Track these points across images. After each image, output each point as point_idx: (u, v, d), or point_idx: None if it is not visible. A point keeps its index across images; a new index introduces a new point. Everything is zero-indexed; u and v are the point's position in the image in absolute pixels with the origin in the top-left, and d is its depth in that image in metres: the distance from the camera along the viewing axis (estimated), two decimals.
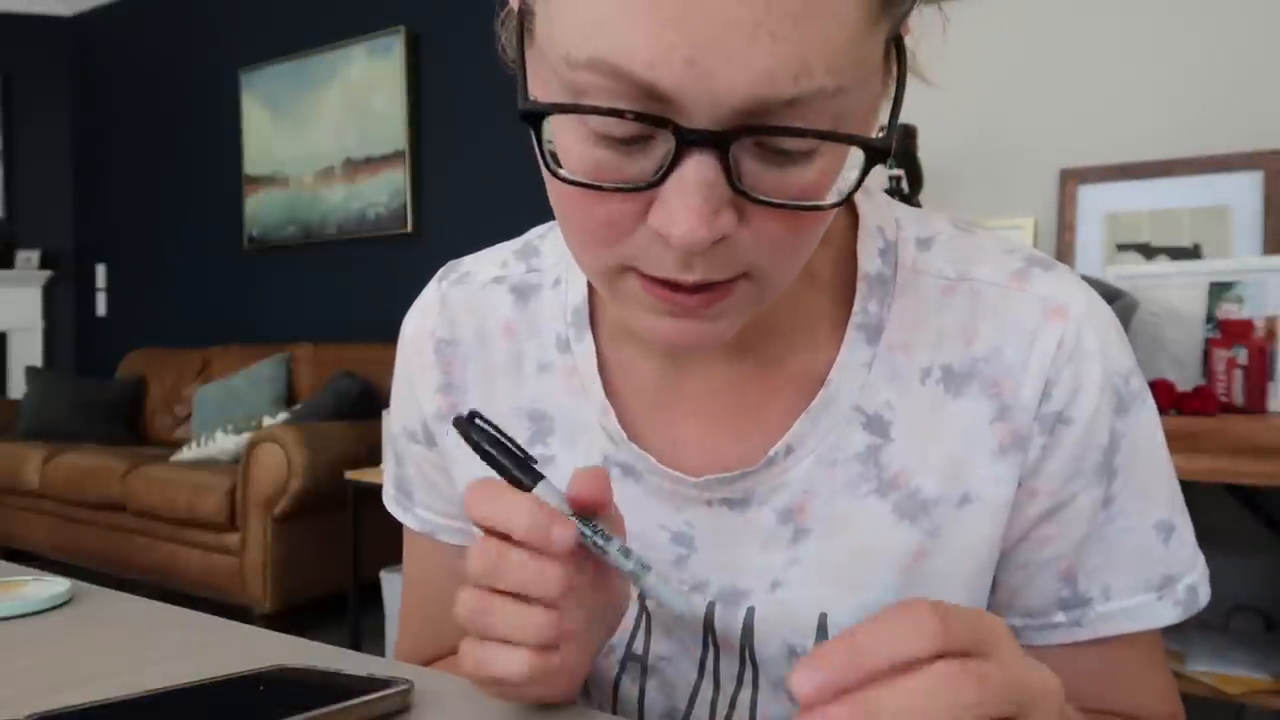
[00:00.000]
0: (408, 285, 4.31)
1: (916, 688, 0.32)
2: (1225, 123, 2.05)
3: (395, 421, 0.68)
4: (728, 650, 0.56)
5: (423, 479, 0.67)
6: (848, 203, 0.55)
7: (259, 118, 4.44)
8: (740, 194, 0.40)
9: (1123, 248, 2.13)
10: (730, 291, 0.44)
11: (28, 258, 5.21)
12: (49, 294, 5.34)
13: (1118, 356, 0.53)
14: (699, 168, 0.39)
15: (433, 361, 0.64)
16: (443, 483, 0.66)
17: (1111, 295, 1.81)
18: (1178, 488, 0.57)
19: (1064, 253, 2.19)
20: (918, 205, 2.18)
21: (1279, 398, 1.71)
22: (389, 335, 4.05)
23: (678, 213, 0.40)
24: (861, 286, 0.55)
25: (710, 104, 0.38)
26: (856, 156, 0.42)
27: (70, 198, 5.38)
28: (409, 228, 3.89)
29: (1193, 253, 2.05)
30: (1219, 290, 1.89)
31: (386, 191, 3.96)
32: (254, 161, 4.47)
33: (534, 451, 0.61)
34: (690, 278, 0.43)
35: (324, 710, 0.45)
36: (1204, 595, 0.57)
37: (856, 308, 0.55)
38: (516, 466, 0.48)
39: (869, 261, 0.55)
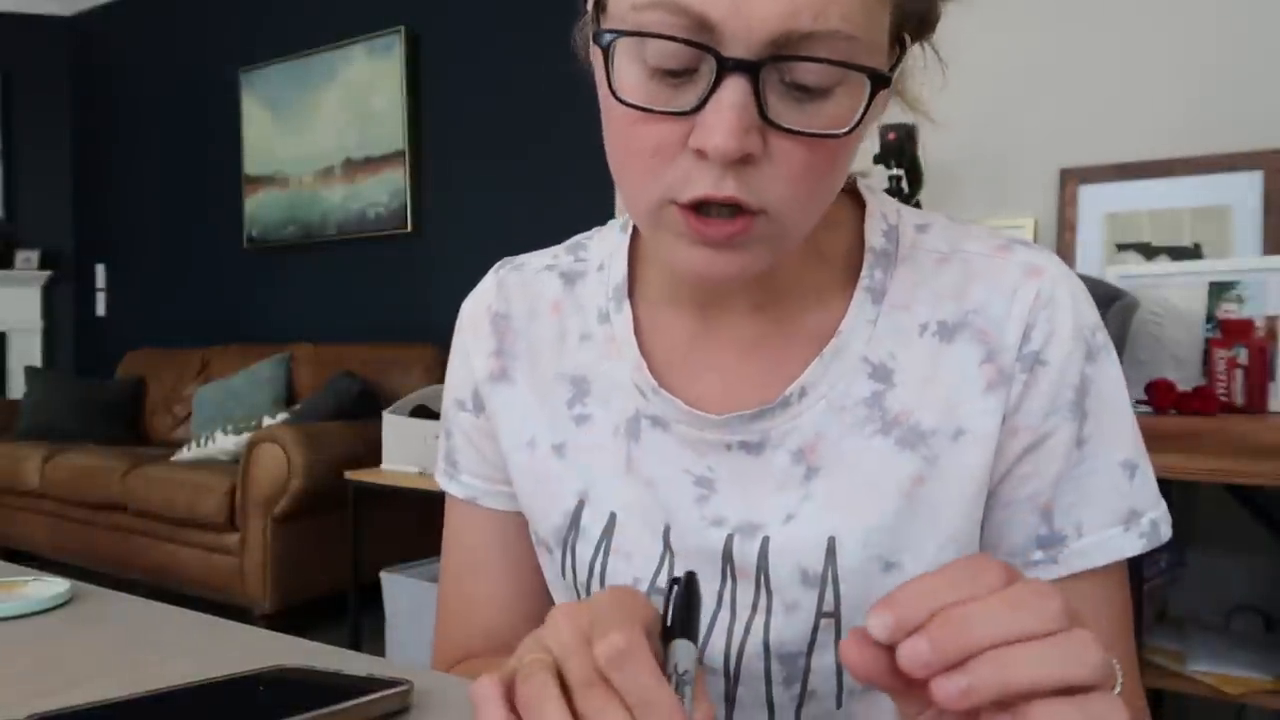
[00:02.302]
0: (408, 285, 4.30)
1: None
2: (1225, 123, 2.05)
3: (448, 396, 0.74)
4: (744, 578, 0.61)
5: (469, 445, 0.73)
6: (856, 194, 0.65)
7: (259, 118, 4.44)
8: (766, 121, 0.49)
9: (1123, 248, 2.13)
10: (751, 226, 0.52)
11: (27, 258, 5.21)
12: (49, 294, 5.34)
13: (1086, 312, 0.61)
14: (733, 91, 0.48)
15: (488, 331, 0.71)
16: (489, 449, 0.71)
17: (1112, 295, 1.81)
18: (1139, 434, 0.62)
19: (1064, 253, 2.19)
20: (918, 206, 2.18)
21: (1279, 398, 1.71)
22: (389, 335, 4.02)
23: (714, 127, 0.48)
24: (868, 257, 0.63)
25: (745, 34, 0.47)
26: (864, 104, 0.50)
27: (70, 198, 5.38)
28: (409, 227, 3.89)
29: (1193, 253, 2.05)
30: (1219, 290, 1.89)
31: (386, 191, 3.96)
32: (254, 161, 4.47)
33: (573, 412, 0.67)
34: (722, 193, 0.50)
35: (324, 710, 0.45)
36: (1165, 531, 0.61)
37: (864, 274, 0.62)
38: (684, 619, 0.46)
39: (874, 238, 0.63)
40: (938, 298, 0.61)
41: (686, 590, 0.46)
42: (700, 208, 0.51)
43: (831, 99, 0.49)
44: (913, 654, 0.36)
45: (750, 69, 0.47)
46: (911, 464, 0.59)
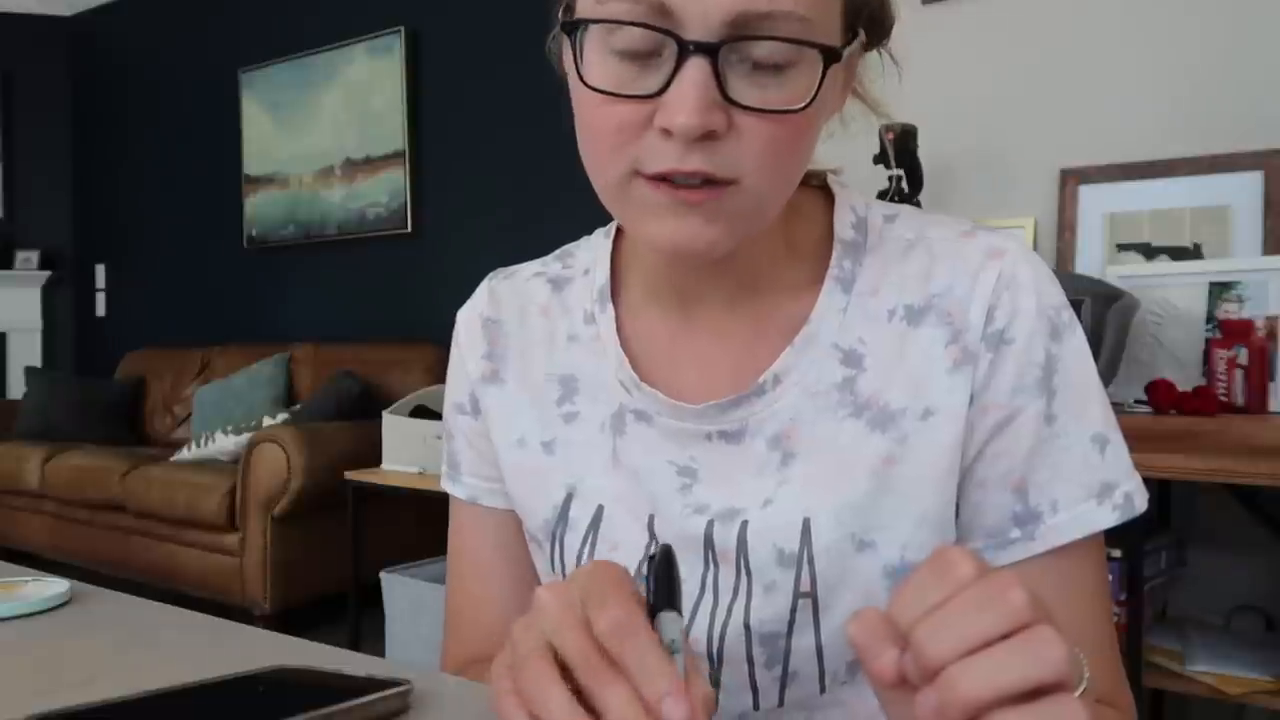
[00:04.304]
0: (408, 285, 4.28)
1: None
2: (1225, 122, 2.05)
3: (448, 401, 0.77)
4: (725, 563, 0.63)
5: (469, 447, 0.75)
6: (825, 188, 0.68)
7: (259, 118, 4.44)
8: (727, 100, 0.52)
9: (1123, 248, 2.13)
10: (722, 194, 0.54)
11: (27, 258, 5.20)
12: (49, 294, 5.34)
13: (1049, 291, 0.62)
14: (695, 71, 0.51)
15: (480, 335, 0.74)
16: (486, 448, 0.73)
17: (1111, 295, 1.81)
18: (1110, 409, 0.63)
19: (1064, 252, 2.19)
20: (918, 206, 2.18)
21: (1279, 398, 1.71)
22: (389, 335, 4.00)
23: (678, 106, 0.51)
24: (837, 248, 0.65)
25: (703, 17, 0.51)
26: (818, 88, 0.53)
27: (70, 198, 5.38)
28: (409, 228, 3.89)
29: (1193, 253, 2.05)
30: (1219, 290, 1.89)
31: (386, 191, 3.96)
32: (254, 161, 4.47)
33: (562, 410, 0.69)
34: (688, 166, 0.52)
35: (324, 710, 0.45)
36: (1140, 503, 0.62)
37: (833, 264, 0.65)
38: (666, 591, 0.46)
39: (843, 230, 0.66)
40: (904, 282, 0.63)
41: (665, 563, 0.47)
42: (666, 179, 0.54)
43: (789, 77, 0.53)
44: (910, 673, 0.38)
45: (709, 50, 0.51)
46: (882, 445, 0.61)
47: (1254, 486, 1.60)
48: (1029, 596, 0.37)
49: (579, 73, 0.54)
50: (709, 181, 0.53)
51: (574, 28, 0.54)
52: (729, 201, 0.54)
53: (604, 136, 0.55)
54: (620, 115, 0.54)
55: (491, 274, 0.78)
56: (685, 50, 0.51)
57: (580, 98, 0.56)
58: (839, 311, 0.64)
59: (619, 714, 0.39)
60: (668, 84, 0.52)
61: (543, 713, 0.40)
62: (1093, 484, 0.61)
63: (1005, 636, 0.37)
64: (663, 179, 0.54)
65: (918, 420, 0.61)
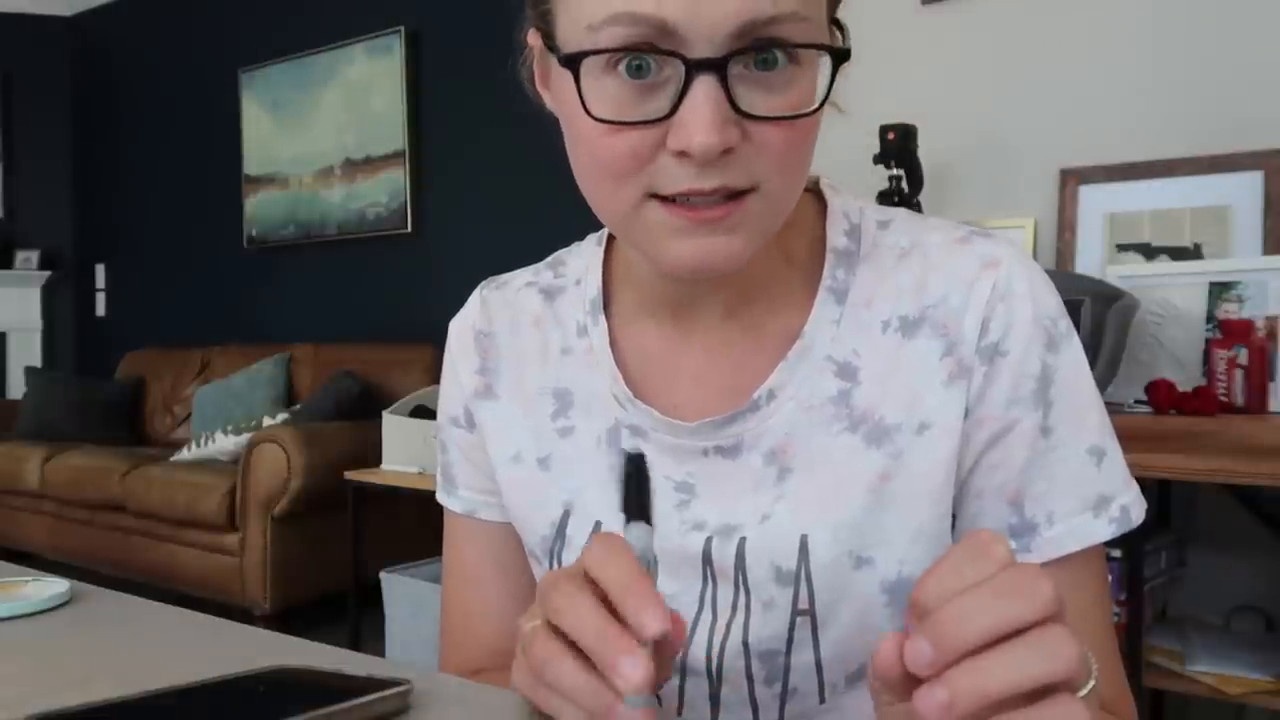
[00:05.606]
0: (407, 285, 4.28)
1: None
2: (1225, 123, 2.05)
3: (442, 413, 0.76)
4: (724, 579, 0.62)
5: (465, 460, 0.74)
6: (818, 194, 0.67)
7: (259, 118, 4.44)
8: (739, 113, 0.50)
9: (1123, 248, 2.13)
10: (744, 204, 0.53)
11: (27, 258, 5.21)
12: (49, 294, 5.34)
13: (1045, 301, 0.61)
14: (705, 88, 0.49)
15: (472, 348, 0.73)
16: (482, 461, 0.72)
17: (1111, 295, 1.81)
18: (1107, 419, 0.63)
19: (1064, 253, 2.19)
20: (918, 206, 2.18)
21: (1279, 398, 1.71)
22: (389, 335, 4.00)
23: (692, 126, 0.49)
24: (830, 258, 0.64)
25: (709, 31, 0.49)
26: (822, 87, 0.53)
27: (70, 198, 5.38)
28: (408, 228, 3.89)
29: (1193, 253, 2.05)
30: (1219, 290, 1.89)
31: (386, 191, 3.96)
32: (254, 161, 4.47)
33: (557, 424, 0.68)
34: (709, 184, 0.51)
35: (324, 710, 0.45)
36: (1137, 515, 0.61)
37: (826, 274, 0.64)
38: (639, 502, 0.48)
39: (836, 239, 0.65)
40: (899, 293, 0.62)
41: (637, 471, 0.47)
42: (680, 198, 0.52)
43: (794, 79, 0.52)
44: (916, 656, 0.37)
45: (717, 66, 0.49)
46: (878, 460, 0.60)
47: (1254, 486, 1.60)
48: (1056, 590, 0.37)
49: (584, 106, 0.52)
50: (729, 195, 0.52)
51: (573, 62, 0.51)
52: (750, 208, 0.53)
53: (614, 165, 0.53)
54: (630, 143, 0.52)
55: (483, 283, 0.76)
56: (692, 68, 0.49)
57: (581, 130, 0.54)
58: (832, 323, 0.63)
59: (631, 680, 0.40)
60: (676, 105, 0.50)
61: (556, 684, 0.42)
62: (1089, 496, 0.60)
63: (1022, 630, 0.37)
64: (679, 200, 0.52)
65: (913, 435, 0.60)
